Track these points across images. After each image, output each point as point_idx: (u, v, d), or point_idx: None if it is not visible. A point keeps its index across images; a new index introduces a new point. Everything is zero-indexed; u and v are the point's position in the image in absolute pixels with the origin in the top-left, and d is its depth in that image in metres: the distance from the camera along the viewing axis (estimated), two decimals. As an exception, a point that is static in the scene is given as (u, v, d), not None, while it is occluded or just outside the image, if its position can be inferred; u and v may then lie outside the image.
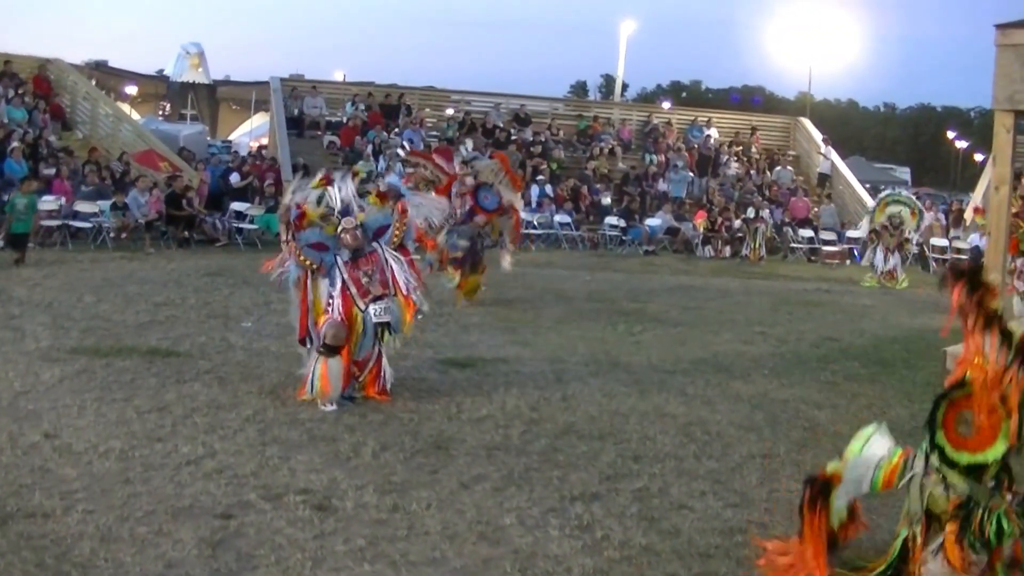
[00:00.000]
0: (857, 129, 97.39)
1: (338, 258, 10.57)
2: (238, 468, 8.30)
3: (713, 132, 40.15)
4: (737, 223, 32.38)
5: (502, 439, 9.56)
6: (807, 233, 34.18)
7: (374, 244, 10.73)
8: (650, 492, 8.28)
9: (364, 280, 10.58)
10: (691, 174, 36.39)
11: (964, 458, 6.08)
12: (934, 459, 6.17)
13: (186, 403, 10.19)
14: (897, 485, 6.43)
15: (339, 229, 10.56)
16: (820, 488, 6.63)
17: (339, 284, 10.55)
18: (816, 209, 35.55)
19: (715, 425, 10.44)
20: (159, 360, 12.02)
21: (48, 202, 24.55)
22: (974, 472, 6.08)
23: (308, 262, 10.53)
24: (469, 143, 34.72)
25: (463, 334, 14.75)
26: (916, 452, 6.35)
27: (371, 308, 10.60)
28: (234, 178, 29.31)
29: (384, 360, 10.91)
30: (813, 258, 32.98)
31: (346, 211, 10.72)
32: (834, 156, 39.32)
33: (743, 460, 9.27)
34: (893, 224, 26.22)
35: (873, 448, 6.60)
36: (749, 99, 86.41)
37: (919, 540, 6.26)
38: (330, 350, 10.35)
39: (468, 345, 13.96)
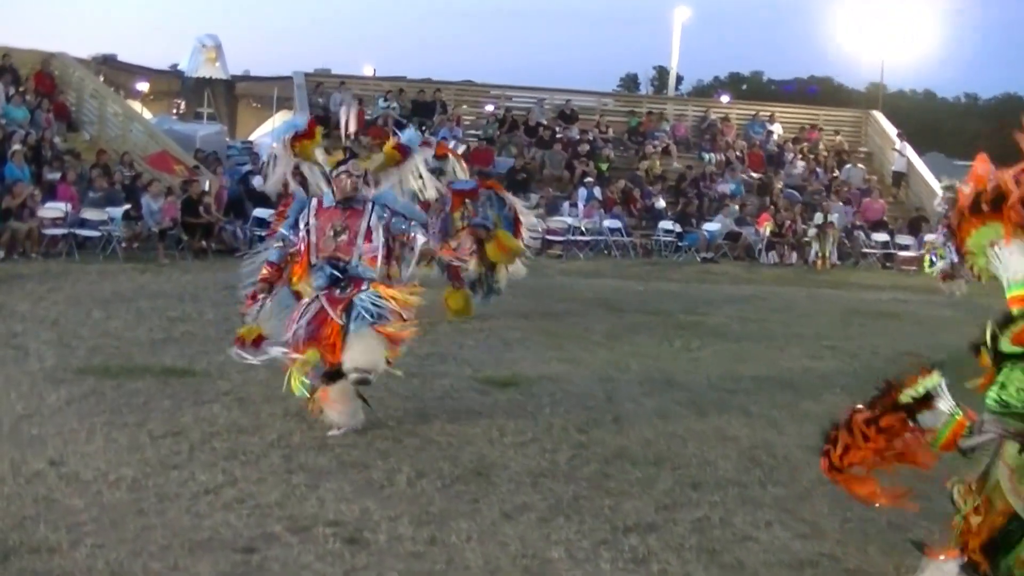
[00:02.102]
0: (935, 122, 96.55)
1: (311, 202, 10.42)
2: (261, 498, 8.30)
3: (776, 128, 40.05)
4: (812, 230, 32.24)
5: (548, 465, 9.54)
6: (881, 237, 34.03)
7: (369, 205, 10.40)
8: (711, 522, 8.24)
9: (329, 233, 10.25)
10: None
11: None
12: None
13: (204, 427, 10.20)
14: (958, 449, 6.33)
15: (340, 170, 10.30)
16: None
17: (302, 226, 10.35)
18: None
19: (782, 448, 10.40)
20: (174, 380, 12.05)
21: (52, 209, 24.72)
22: None
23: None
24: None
25: (505, 350, 14.75)
26: (982, 418, 6.24)
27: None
28: (257, 182, 29.38)
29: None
30: (888, 264, 32.84)
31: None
32: (910, 152, 39.10)
33: (812, 486, 9.21)
34: None
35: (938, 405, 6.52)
36: (805, 89, 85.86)
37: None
38: (332, 377, 10.19)
39: (510, 362, 13.97)
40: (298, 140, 10.58)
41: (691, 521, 8.23)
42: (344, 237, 10.22)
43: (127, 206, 25.73)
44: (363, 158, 10.72)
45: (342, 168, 10.30)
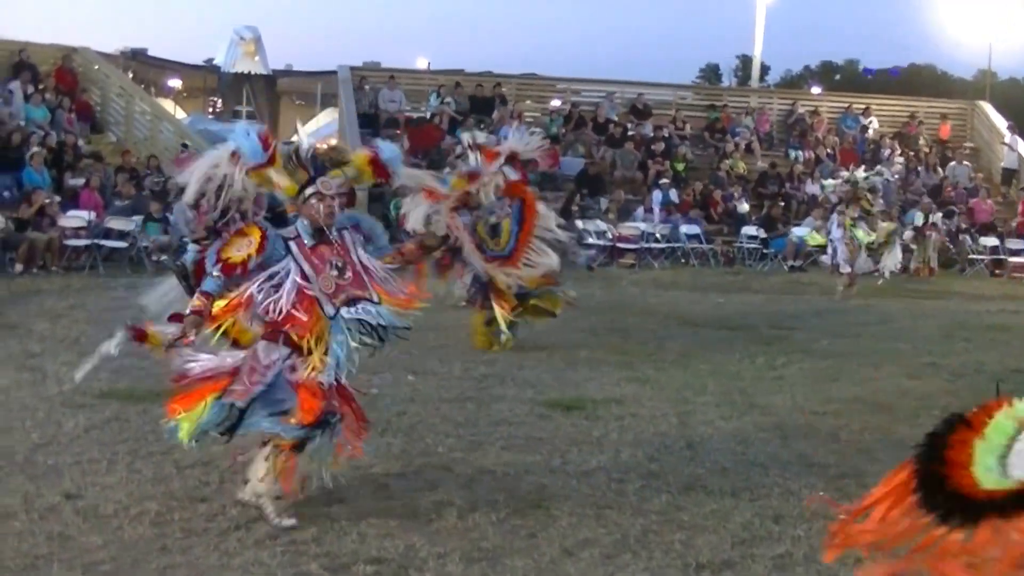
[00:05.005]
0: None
1: (291, 243, 8.86)
2: (296, 533, 8.31)
3: (872, 122, 39.80)
4: (909, 233, 32.01)
5: (615, 496, 9.50)
6: (990, 242, 33.70)
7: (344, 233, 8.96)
8: (794, 559, 8.18)
9: (332, 274, 8.72)
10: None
11: None
12: None
13: (236, 456, 10.21)
14: None
15: (309, 192, 8.79)
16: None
17: (294, 276, 8.68)
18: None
19: (874, 478, 10.22)
20: (205, 405, 12.09)
21: (74, 218, 24.83)
22: None
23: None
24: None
25: (569, 370, 14.73)
26: None
27: (345, 311, 8.69)
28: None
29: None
30: (998, 272, 32.52)
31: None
32: (1021, 147, 38.70)
33: (908, 520, 9.14)
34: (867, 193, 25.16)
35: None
36: (887, 75, 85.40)
37: None
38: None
39: (575, 383, 13.95)
40: (256, 170, 8.93)
41: (772, 558, 8.17)
42: (349, 274, 8.81)
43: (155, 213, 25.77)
44: (333, 172, 8.92)
45: (310, 190, 8.80)
